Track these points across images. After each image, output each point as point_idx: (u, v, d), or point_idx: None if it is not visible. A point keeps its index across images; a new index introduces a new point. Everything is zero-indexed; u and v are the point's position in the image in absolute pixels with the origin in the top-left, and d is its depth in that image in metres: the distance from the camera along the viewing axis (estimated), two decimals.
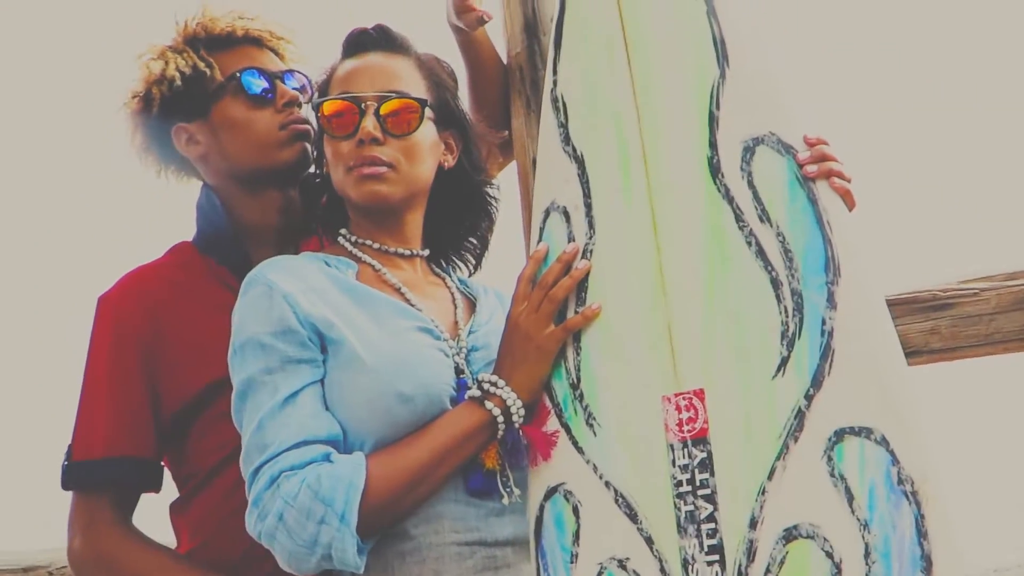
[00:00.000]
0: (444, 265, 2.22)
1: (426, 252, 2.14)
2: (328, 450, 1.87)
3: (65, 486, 2.27)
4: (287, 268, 2.03)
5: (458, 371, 2.02)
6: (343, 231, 2.14)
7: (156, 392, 2.24)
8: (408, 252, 2.12)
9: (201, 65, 2.30)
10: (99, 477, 2.23)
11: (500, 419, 1.93)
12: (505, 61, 2.43)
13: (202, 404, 2.21)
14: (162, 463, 2.32)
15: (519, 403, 1.94)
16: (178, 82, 2.29)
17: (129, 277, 2.33)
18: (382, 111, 2.04)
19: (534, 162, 2.32)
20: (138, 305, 2.27)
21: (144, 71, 2.32)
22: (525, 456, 1.96)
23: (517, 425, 1.95)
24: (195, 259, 2.34)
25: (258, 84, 2.32)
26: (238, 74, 2.30)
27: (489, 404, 1.93)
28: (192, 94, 2.30)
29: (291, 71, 2.37)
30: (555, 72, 2.06)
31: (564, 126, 2.05)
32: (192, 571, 2.20)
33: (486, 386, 1.94)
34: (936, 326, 1.90)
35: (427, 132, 2.07)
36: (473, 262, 2.23)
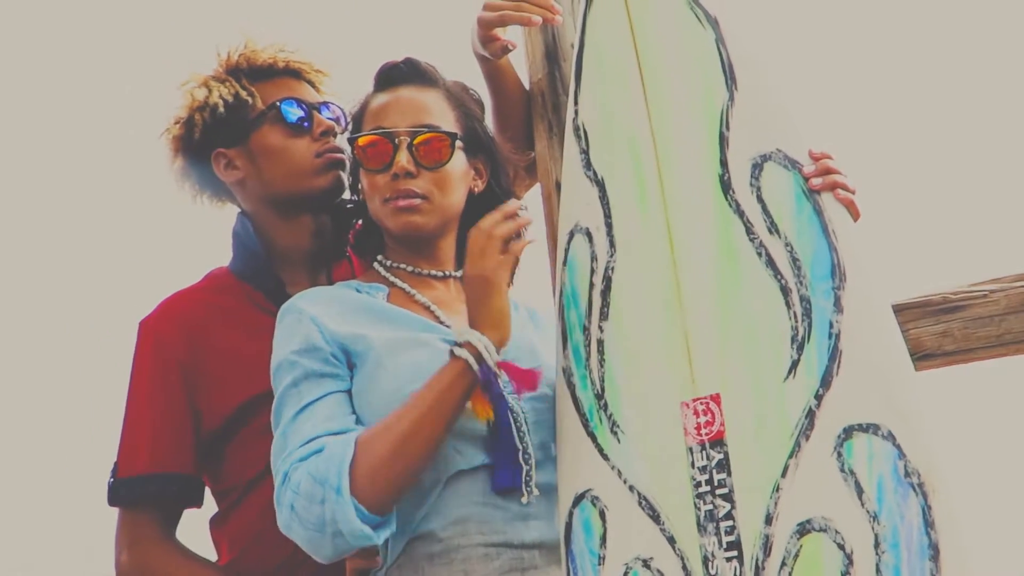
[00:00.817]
0: None
1: (459, 272, 2.24)
2: (330, 439, 2.00)
3: (111, 503, 2.42)
4: (317, 295, 2.23)
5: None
6: (379, 257, 2.24)
7: (196, 410, 2.39)
8: (441, 273, 2.24)
9: (243, 94, 2.45)
10: (143, 493, 2.37)
11: (472, 360, 2.03)
12: (528, 87, 2.55)
13: (239, 421, 2.34)
14: (203, 479, 2.43)
15: (485, 340, 2.04)
16: (221, 109, 2.44)
17: (168, 302, 2.48)
18: (415, 145, 2.16)
19: (557, 184, 2.44)
20: (177, 328, 2.41)
21: (188, 98, 2.47)
22: (511, 390, 2.08)
23: (492, 363, 2.04)
24: (231, 284, 2.48)
25: (295, 113, 2.46)
26: (277, 104, 2.45)
27: (459, 351, 2.04)
28: (232, 121, 2.44)
29: (327, 103, 2.52)
30: (576, 102, 2.19)
31: (585, 152, 2.17)
32: None
33: (454, 337, 2.06)
34: (948, 328, 2.00)
35: (458, 162, 2.20)
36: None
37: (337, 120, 2.51)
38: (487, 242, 2.06)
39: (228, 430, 2.40)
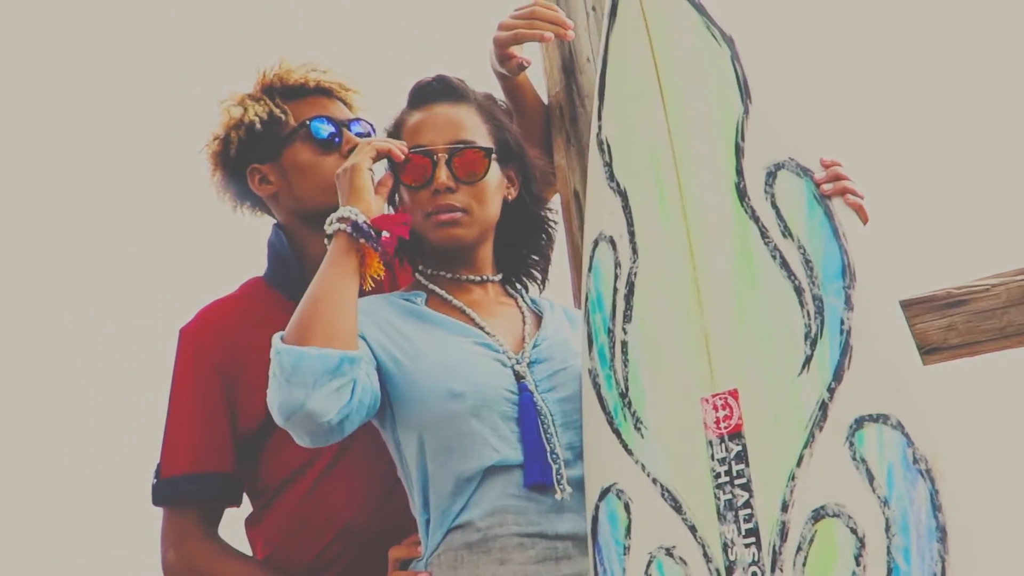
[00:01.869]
0: (517, 286, 2.44)
1: (498, 277, 2.38)
2: None
3: (155, 502, 2.57)
4: (361, 303, 2.36)
5: (519, 377, 2.22)
6: (420, 267, 2.44)
7: (233, 413, 2.54)
8: (479, 278, 2.37)
9: (276, 112, 2.59)
10: (186, 492, 2.51)
11: (347, 228, 2.25)
12: (546, 100, 2.67)
13: (273, 424, 2.46)
14: (241, 479, 2.54)
15: (355, 210, 2.26)
16: (256, 127, 2.55)
17: (206, 310, 2.64)
18: (452, 161, 2.31)
19: (574, 192, 2.57)
20: (215, 335, 2.57)
21: (224, 116, 2.63)
22: (392, 244, 2.27)
23: (361, 222, 2.25)
24: (266, 292, 2.65)
25: (325, 131, 2.60)
26: (308, 122, 2.59)
27: (335, 225, 2.27)
28: (266, 138, 2.60)
29: (357, 119, 2.65)
30: (600, 117, 2.32)
31: (608, 165, 2.29)
32: None
33: (325, 227, 2.29)
34: (952, 323, 2.10)
35: (493, 174, 2.37)
36: (539, 278, 2.45)
37: (367, 135, 2.62)
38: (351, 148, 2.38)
39: (262, 433, 2.54)
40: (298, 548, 2.53)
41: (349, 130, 2.64)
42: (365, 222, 2.25)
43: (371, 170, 2.34)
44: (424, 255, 2.47)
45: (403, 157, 2.35)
